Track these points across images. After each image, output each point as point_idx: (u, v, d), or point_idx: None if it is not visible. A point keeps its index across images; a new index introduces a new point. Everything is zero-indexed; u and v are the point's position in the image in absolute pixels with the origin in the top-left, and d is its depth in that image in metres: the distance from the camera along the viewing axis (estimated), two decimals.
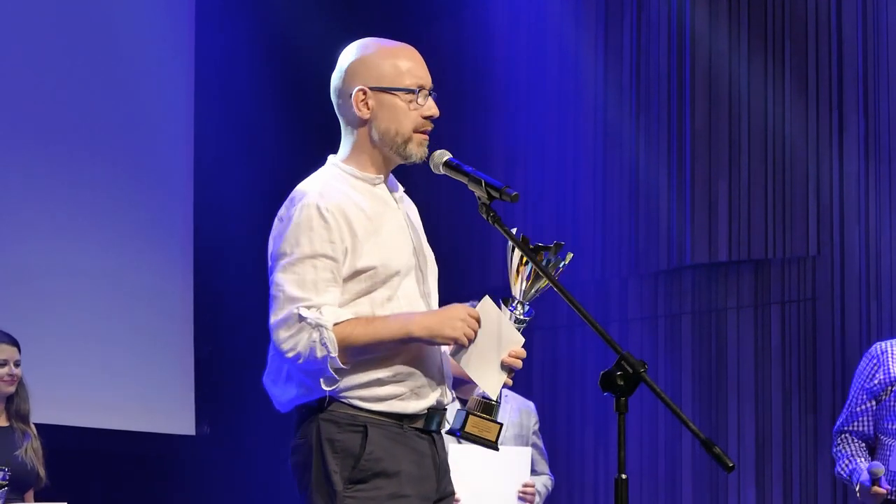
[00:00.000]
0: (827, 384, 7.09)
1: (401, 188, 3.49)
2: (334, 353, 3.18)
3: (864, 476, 4.75)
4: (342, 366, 3.21)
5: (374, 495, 3.24)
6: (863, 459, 4.86)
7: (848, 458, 4.89)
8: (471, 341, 3.27)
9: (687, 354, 7.62)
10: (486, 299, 3.32)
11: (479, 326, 3.27)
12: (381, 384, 3.28)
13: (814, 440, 7.11)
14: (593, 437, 7.90)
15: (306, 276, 3.23)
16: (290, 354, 3.21)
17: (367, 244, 3.29)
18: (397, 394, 3.29)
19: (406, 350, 3.29)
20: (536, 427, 5.87)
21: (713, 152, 7.52)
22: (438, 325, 3.24)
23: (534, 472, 5.86)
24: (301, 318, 3.19)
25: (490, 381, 3.32)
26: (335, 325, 3.19)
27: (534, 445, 5.84)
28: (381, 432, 3.27)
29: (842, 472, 4.90)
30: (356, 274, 3.28)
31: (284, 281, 3.24)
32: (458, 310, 3.27)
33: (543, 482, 5.86)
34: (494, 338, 3.31)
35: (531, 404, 5.92)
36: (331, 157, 3.44)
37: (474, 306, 3.33)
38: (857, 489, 4.81)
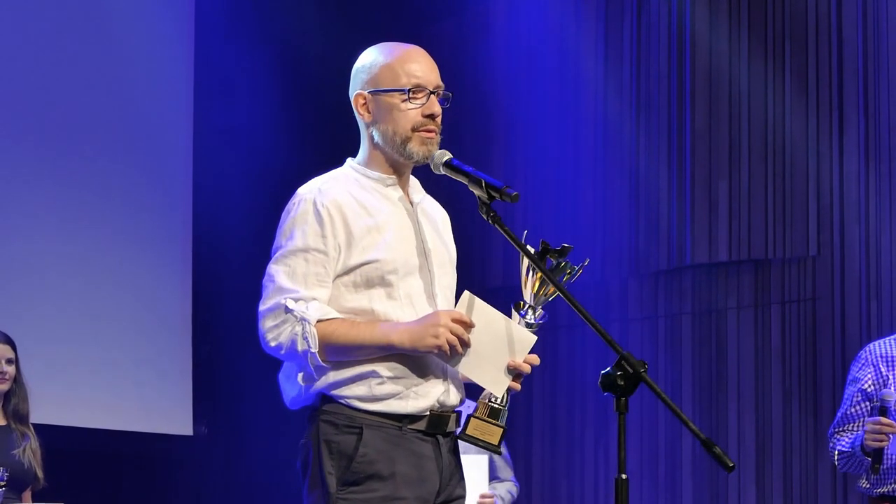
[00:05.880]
0: (827, 384, 7.08)
1: (422, 193, 3.49)
2: (315, 349, 3.19)
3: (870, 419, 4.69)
4: (322, 363, 3.21)
5: (368, 497, 3.23)
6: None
7: (847, 438, 4.86)
8: (464, 346, 3.22)
9: (687, 354, 7.61)
10: (466, 295, 3.28)
11: (471, 327, 3.23)
12: (380, 383, 3.26)
13: (814, 440, 7.10)
14: (593, 437, 7.90)
15: (297, 269, 3.26)
16: (272, 344, 3.24)
17: (364, 240, 3.30)
18: (395, 393, 3.27)
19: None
20: None
21: (713, 152, 7.51)
22: (419, 334, 3.20)
23: (498, 479, 5.89)
24: (287, 310, 3.21)
25: (489, 379, 3.27)
26: (319, 321, 3.20)
27: None
28: (377, 434, 3.25)
29: (844, 449, 4.83)
30: (350, 269, 3.29)
31: (276, 272, 3.28)
32: (440, 316, 3.22)
33: (508, 488, 5.90)
34: (488, 334, 3.25)
35: None
36: (348, 159, 3.47)
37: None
38: (863, 443, 4.71)
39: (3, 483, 5.20)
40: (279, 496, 7.24)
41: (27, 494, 5.66)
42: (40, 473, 5.63)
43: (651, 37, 7.83)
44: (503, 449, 5.90)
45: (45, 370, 6.75)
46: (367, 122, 3.40)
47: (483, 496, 5.58)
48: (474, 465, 5.54)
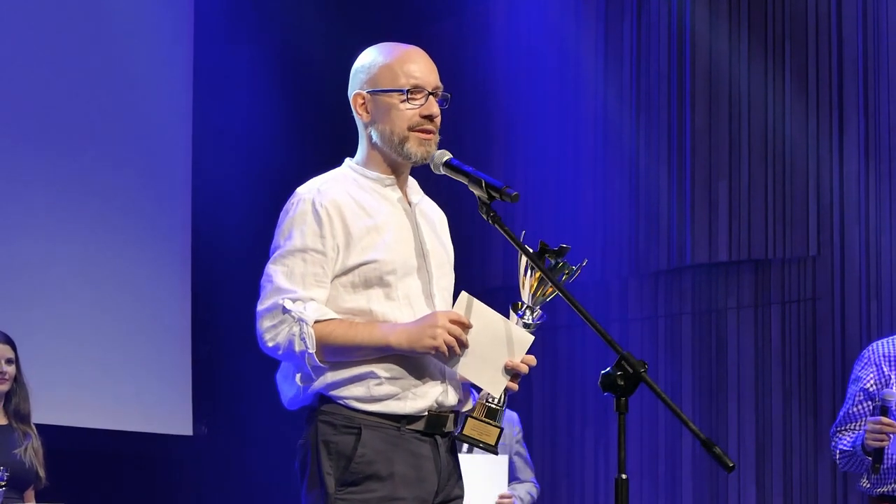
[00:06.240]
0: (827, 384, 7.08)
1: (420, 194, 3.49)
2: (312, 350, 3.19)
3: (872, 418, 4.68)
4: (319, 364, 3.22)
5: (366, 498, 3.23)
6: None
7: (848, 437, 4.86)
8: (461, 346, 3.22)
9: (687, 354, 7.61)
10: (463, 296, 3.29)
11: (468, 327, 3.23)
12: (378, 384, 3.26)
13: (814, 440, 7.10)
14: (593, 437, 7.90)
15: (295, 269, 3.26)
16: (270, 344, 3.24)
17: (363, 241, 3.30)
18: (393, 393, 3.27)
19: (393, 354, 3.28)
20: (520, 436, 5.91)
21: (713, 152, 7.51)
22: (417, 336, 3.21)
23: (518, 480, 5.89)
24: (285, 311, 3.22)
25: (486, 380, 3.27)
26: (316, 322, 3.21)
27: (517, 454, 5.86)
28: (376, 434, 3.25)
29: (845, 448, 4.83)
30: (349, 270, 3.29)
31: (274, 272, 3.28)
32: (438, 317, 3.22)
33: (528, 490, 5.91)
34: (486, 335, 3.26)
35: (514, 415, 5.95)
36: (347, 159, 3.47)
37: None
38: (864, 443, 4.70)
39: (3, 483, 5.20)
40: (279, 496, 7.23)
41: (30, 493, 5.66)
42: (42, 472, 5.63)
43: (651, 37, 7.83)
44: (524, 450, 5.93)
45: (46, 370, 6.75)
46: (365, 121, 3.40)
47: (502, 496, 5.58)
48: (494, 466, 5.54)
